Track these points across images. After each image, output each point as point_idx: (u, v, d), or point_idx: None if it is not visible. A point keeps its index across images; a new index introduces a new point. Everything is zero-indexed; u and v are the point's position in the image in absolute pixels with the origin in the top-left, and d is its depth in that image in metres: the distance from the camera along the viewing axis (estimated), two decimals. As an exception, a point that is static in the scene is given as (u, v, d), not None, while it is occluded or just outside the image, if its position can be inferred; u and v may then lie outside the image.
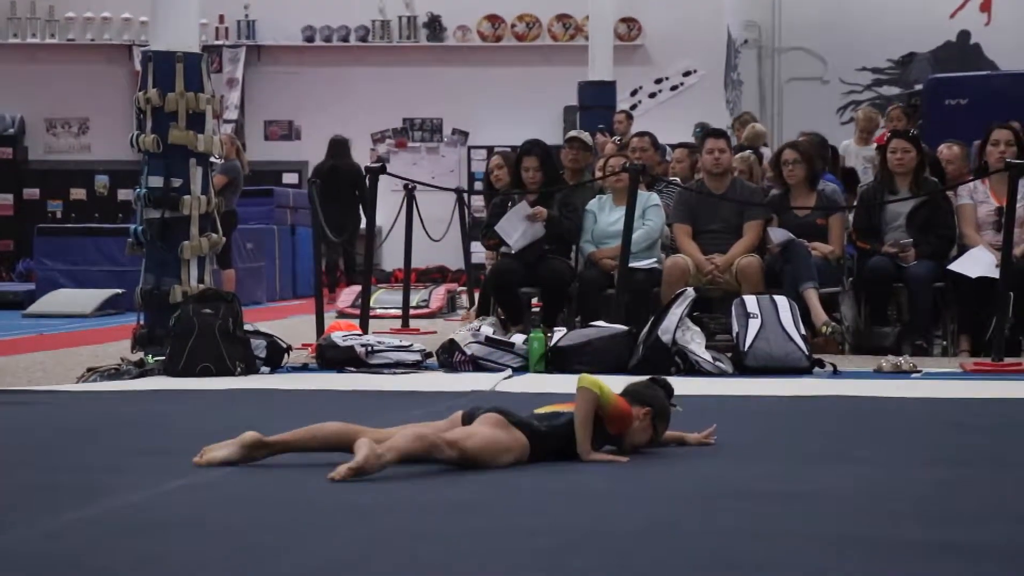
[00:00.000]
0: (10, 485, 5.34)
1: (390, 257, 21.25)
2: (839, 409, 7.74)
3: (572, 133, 13.06)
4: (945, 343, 10.99)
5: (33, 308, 16.36)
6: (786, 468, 5.61)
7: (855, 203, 11.66)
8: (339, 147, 19.13)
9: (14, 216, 23.34)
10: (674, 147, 13.91)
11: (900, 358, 9.79)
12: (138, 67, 18.38)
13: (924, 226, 11.09)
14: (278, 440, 5.61)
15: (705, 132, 11.99)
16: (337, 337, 10.15)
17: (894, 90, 22.93)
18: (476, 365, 9.69)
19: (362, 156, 22.07)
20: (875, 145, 13.84)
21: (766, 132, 16.51)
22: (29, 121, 23.80)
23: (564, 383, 8.85)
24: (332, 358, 9.92)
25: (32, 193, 23.59)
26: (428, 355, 10.00)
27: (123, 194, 22.68)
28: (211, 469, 5.47)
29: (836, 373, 9.46)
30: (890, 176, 11.28)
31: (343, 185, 17.57)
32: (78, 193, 23.49)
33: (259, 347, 9.81)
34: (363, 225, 14.07)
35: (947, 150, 12.26)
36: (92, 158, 23.83)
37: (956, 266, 10.76)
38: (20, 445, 6.44)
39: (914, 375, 9.42)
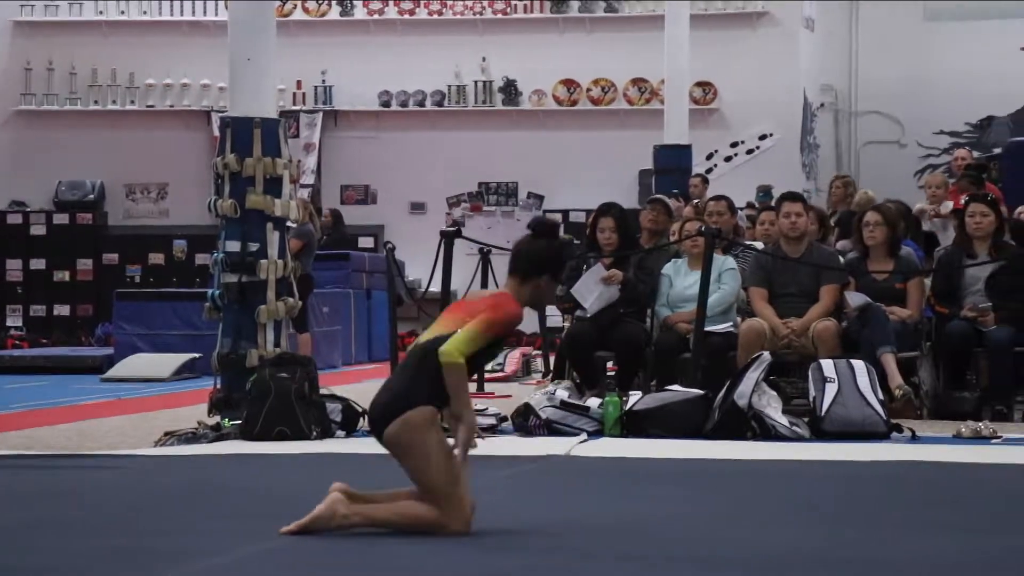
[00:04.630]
0: (90, 549, 5.36)
1: (465, 321, 21.31)
2: (918, 476, 7.65)
3: (656, 196, 13.02)
4: (1026, 408, 10.86)
5: (111, 372, 16.47)
6: (868, 535, 5.54)
7: (934, 267, 11.57)
8: (339, 218, 21.10)
9: (94, 281, 23.53)
10: (757, 209, 13.77)
11: (980, 423, 9.67)
12: (216, 132, 18.54)
13: (1004, 290, 10.97)
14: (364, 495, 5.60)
15: (782, 196, 11.92)
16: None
17: (974, 153, 22.78)
18: (551, 429, 9.66)
19: (438, 220, 22.14)
20: (949, 205, 13.73)
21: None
22: (109, 187, 24.03)
23: (640, 447, 8.84)
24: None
25: (111, 258, 23.79)
26: (503, 419, 9.99)
27: (201, 259, 22.81)
28: (286, 535, 5.46)
29: (915, 438, 9.36)
30: (969, 240, 11.19)
31: None
32: (156, 258, 23.66)
33: (335, 411, 9.83)
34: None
35: (1026, 214, 12.16)
36: (170, 223, 24.02)
37: (1037, 330, 10.64)
38: (99, 509, 6.47)
39: (994, 441, 9.30)
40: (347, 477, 7.31)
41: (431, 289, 14.10)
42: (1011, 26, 24.03)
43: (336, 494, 5.55)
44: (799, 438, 9.35)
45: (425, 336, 5.71)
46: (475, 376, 14.02)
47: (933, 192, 14.65)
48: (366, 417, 5.68)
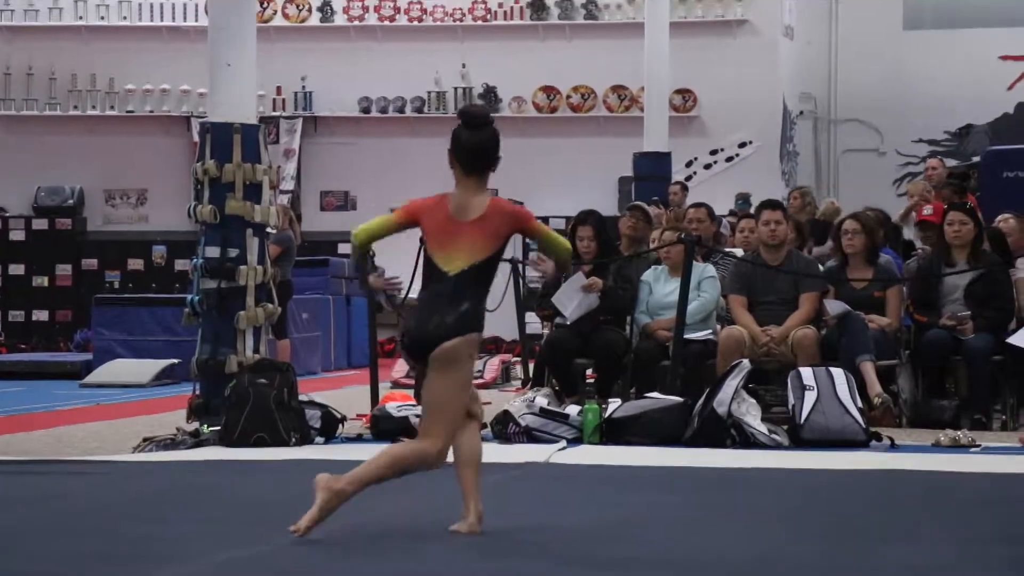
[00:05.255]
0: (68, 554, 5.35)
1: (445, 327, 21.30)
2: (897, 484, 7.67)
3: (635, 203, 13.03)
4: (1004, 417, 10.87)
5: (90, 378, 16.43)
6: (846, 543, 5.55)
7: (913, 276, 11.59)
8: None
9: (72, 286, 23.47)
10: (737, 216, 13.77)
11: (959, 432, 9.68)
12: (196, 138, 18.47)
13: (982, 299, 10.99)
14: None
15: (762, 204, 11.94)
16: (392, 408, 10.15)
17: (951, 162, 22.83)
18: (530, 436, 9.66)
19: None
20: (917, 220, 13.75)
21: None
22: (88, 192, 23.97)
23: (619, 455, 8.84)
24: (386, 429, 9.91)
25: (90, 263, 23.72)
26: (483, 426, 9.96)
27: (180, 264, 22.77)
28: (265, 541, 5.46)
29: (893, 447, 9.38)
30: (947, 249, 11.21)
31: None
32: (135, 263, 23.61)
33: (313, 417, 9.82)
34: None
35: (1004, 223, 12.17)
36: (150, 228, 23.95)
37: (1015, 339, 10.65)
38: (78, 515, 6.45)
39: (973, 450, 9.32)
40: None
41: (411, 296, 14.09)
42: (990, 35, 24.12)
43: (323, 475, 5.60)
44: (778, 446, 9.35)
45: (457, 264, 5.89)
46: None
47: (915, 200, 14.70)
48: (415, 341, 5.84)
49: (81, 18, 23.99)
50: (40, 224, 23.64)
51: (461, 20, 23.95)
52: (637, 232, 12.49)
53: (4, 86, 24.01)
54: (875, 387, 10.47)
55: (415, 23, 24.02)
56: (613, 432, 9.61)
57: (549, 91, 23.82)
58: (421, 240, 6.22)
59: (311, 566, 5.08)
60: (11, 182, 23.71)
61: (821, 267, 11.61)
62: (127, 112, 24.01)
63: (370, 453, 8.92)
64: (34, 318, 23.57)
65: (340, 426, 9.97)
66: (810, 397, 9.68)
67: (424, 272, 6.04)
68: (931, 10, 24.68)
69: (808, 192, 16.08)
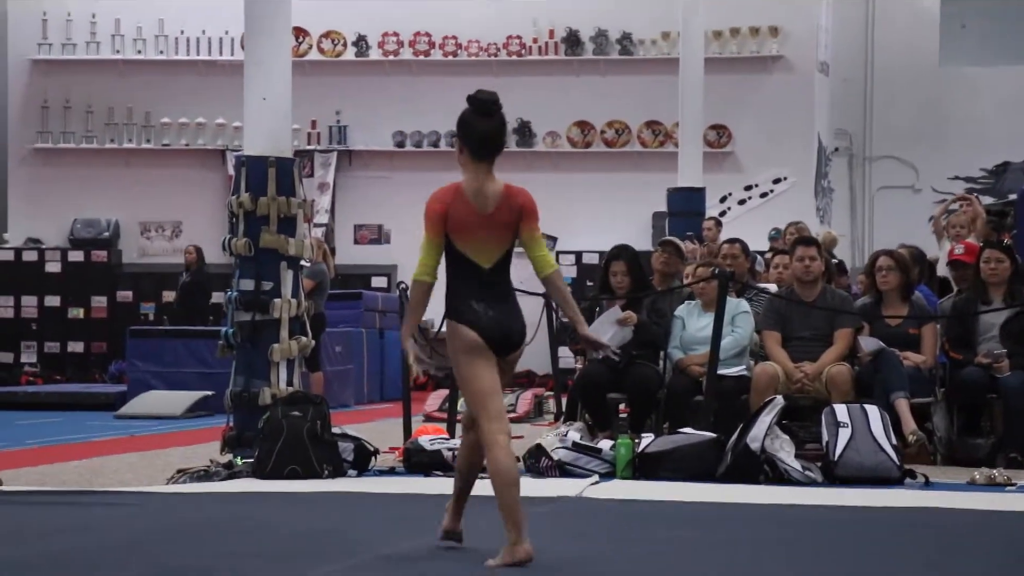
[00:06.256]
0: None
1: (478, 362, 21.30)
2: (932, 522, 7.62)
3: (667, 238, 13.02)
4: (1040, 455, 10.81)
5: (124, 409, 16.48)
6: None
7: (948, 313, 11.54)
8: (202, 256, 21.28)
9: (108, 318, 23.57)
10: (773, 253, 13.73)
11: (994, 471, 9.63)
12: (231, 171, 18.58)
13: (1018, 337, 10.94)
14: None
15: (796, 240, 11.92)
16: (424, 441, 10.14)
17: (987, 199, 22.77)
18: (563, 470, 9.65)
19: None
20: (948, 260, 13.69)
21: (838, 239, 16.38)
22: (124, 225, 24.08)
23: (652, 490, 8.82)
24: (419, 462, 9.91)
25: (125, 296, 23.82)
26: (515, 460, 9.95)
27: (215, 297, 22.87)
28: (299, 573, 5.45)
29: (928, 485, 9.33)
30: (983, 286, 11.17)
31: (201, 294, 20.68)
32: (170, 295, 23.69)
33: (346, 450, 9.82)
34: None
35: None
36: (185, 261, 24.06)
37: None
38: (110, 546, 6.47)
39: (1008, 488, 9.26)
40: (357, 516, 7.31)
41: (443, 329, 14.10)
42: (1026, 71, 24.07)
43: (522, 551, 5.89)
44: (811, 483, 9.32)
45: (492, 257, 6.16)
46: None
47: (956, 232, 14.64)
48: (506, 336, 6.17)
49: (118, 52, 24.14)
50: (76, 256, 23.77)
51: (496, 55, 24.01)
52: (669, 267, 12.47)
53: (42, 119, 24.17)
54: (910, 424, 10.42)
55: (450, 57, 24.09)
56: (646, 467, 9.59)
57: (583, 126, 23.86)
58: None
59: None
60: (48, 214, 23.86)
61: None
62: (163, 145, 24.13)
63: (402, 486, 8.93)
64: (69, 349, 23.67)
65: (373, 459, 9.97)
66: (844, 434, 9.64)
67: (452, 268, 6.16)
68: (967, 46, 24.62)
69: (804, 228, 16.01)
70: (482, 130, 6.17)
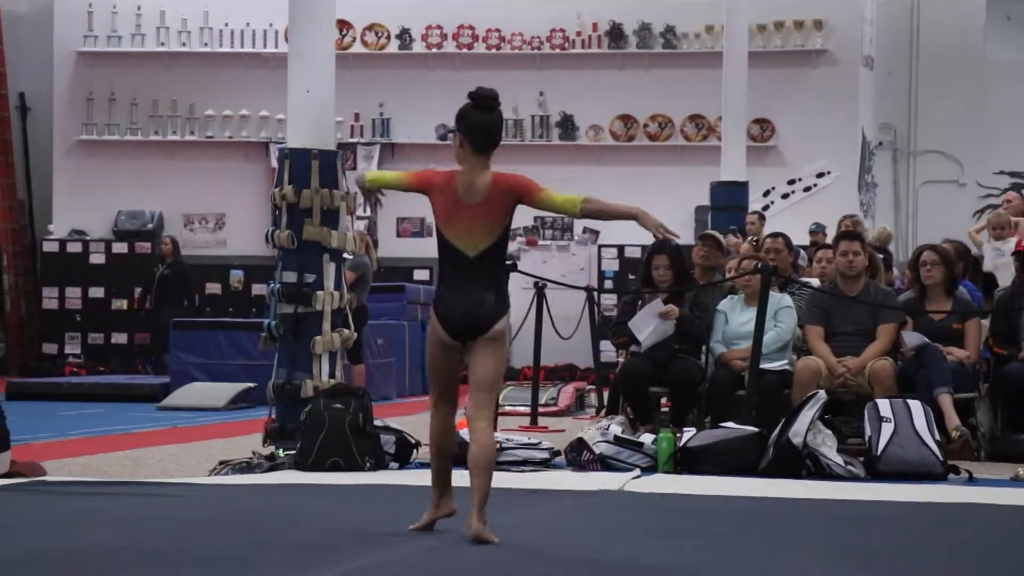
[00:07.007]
0: (145, 575, 5.38)
1: (519, 354, 21.27)
2: (975, 518, 7.59)
3: (707, 232, 13.01)
4: (1085, 451, 10.74)
5: (167, 401, 16.55)
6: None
7: (993, 308, 11.48)
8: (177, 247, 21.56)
9: (151, 309, 23.70)
10: (815, 248, 13.68)
11: (1038, 466, 9.58)
12: (274, 164, 18.64)
13: (1064, 332, 10.88)
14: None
15: (839, 234, 11.88)
16: (465, 433, 10.13)
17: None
18: (604, 464, 9.64)
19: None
20: (1013, 250, 13.62)
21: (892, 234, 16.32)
22: (167, 217, 24.18)
23: (693, 484, 8.80)
24: (460, 454, 9.91)
25: (169, 287, 23.98)
26: (556, 453, 9.97)
27: (257, 289, 22.90)
28: (340, 564, 5.47)
29: (971, 480, 9.28)
30: (1029, 281, 11.11)
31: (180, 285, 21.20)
32: (213, 287, 23.78)
33: (388, 442, 9.84)
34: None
35: (1087, 254, 12.02)
36: (228, 253, 24.12)
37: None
38: (151, 537, 6.50)
39: (1052, 484, 9.21)
40: (400, 508, 7.32)
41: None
42: (1073, 64, 23.93)
43: (474, 530, 6.13)
44: (854, 477, 9.29)
45: (478, 246, 6.39)
46: (530, 410, 14.02)
47: (997, 233, 14.57)
48: (465, 321, 6.41)
49: (163, 44, 24.25)
50: (120, 248, 23.90)
51: (539, 48, 24.01)
52: (709, 261, 12.47)
53: (87, 111, 24.30)
54: (953, 420, 10.37)
55: (493, 51, 24.09)
56: (687, 461, 9.58)
57: (627, 120, 23.84)
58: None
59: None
60: (92, 206, 23.99)
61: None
62: (207, 137, 24.23)
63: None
64: (113, 341, 23.81)
65: (415, 451, 9.99)
66: (887, 429, 9.60)
67: (442, 255, 6.45)
68: (1013, 39, 24.48)
69: (859, 221, 15.98)
70: (485, 124, 6.45)
